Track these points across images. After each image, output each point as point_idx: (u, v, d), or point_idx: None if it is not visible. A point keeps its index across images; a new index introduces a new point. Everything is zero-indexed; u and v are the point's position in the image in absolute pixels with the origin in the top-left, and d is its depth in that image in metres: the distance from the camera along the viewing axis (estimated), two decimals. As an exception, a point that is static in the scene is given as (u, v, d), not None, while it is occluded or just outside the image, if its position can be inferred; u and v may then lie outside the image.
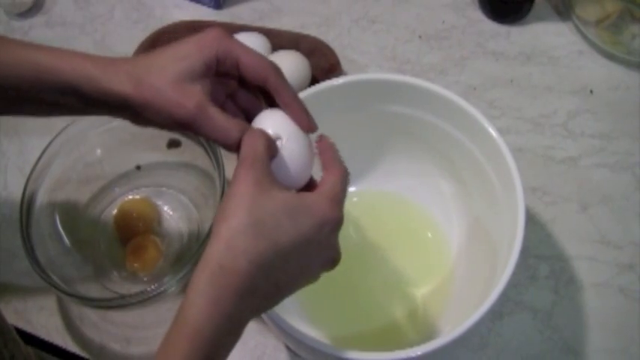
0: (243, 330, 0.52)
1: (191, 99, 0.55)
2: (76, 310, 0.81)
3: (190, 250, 0.83)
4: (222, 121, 0.56)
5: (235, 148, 0.56)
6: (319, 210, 0.54)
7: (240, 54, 0.57)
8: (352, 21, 1.04)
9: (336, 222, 0.55)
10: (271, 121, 0.58)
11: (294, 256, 0.52)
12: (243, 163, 0.53)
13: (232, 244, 0.50)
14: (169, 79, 0.55)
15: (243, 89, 0.61)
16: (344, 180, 0.58)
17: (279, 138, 0.57)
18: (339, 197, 0.56)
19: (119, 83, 0.56)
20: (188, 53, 0.56)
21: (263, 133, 0.55)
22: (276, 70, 0.58)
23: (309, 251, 0.53)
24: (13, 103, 0.60)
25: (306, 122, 0.58)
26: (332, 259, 0.56)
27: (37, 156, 0.79)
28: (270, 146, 0.55)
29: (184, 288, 0.74)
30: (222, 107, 0.59)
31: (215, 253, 0.50)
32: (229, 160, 0.83)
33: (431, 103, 0.76)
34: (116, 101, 0.56)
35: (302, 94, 0.71)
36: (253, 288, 0.50)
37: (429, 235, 0.82)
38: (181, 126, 0.56)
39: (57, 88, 0.57)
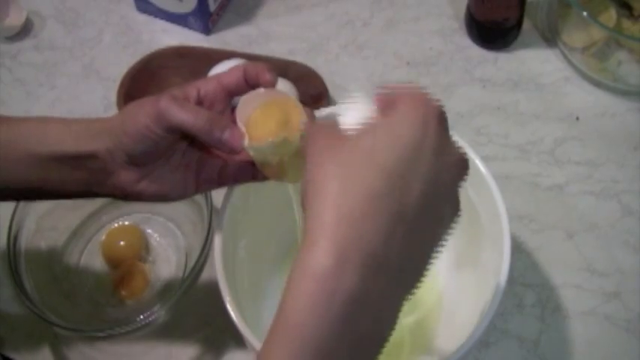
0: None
1: (159, 102, 0.56)
2: (64, 337, 0.81)
3: (178, 278, 0.83)
4: (191, 106, 0.57)
5: (209, 135, 0.56)
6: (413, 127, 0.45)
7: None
8: (340, 47, 1.05)
9: (436, 112, 0.46)
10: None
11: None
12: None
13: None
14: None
15: None
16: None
17: None
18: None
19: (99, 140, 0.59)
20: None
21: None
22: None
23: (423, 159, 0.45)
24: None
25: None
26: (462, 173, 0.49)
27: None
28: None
29: (173, 316, 0.75)
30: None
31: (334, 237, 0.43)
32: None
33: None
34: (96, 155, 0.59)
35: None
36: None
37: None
38: (157, 123, 0.56)
39: (46, 159, 0.59)
